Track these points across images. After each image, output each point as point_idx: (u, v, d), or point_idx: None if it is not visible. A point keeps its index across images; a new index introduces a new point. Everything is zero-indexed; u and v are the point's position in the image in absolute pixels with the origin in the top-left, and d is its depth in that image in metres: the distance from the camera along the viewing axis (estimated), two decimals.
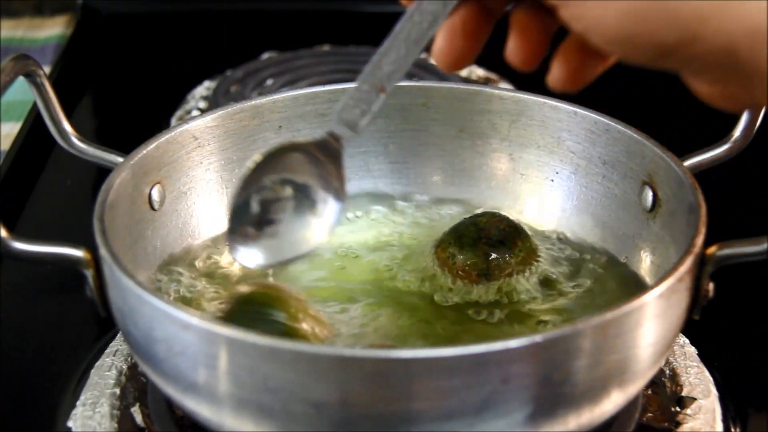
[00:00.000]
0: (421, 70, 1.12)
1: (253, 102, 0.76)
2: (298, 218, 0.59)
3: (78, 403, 0.66)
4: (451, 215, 0.77)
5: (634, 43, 0.47)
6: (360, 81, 0.57)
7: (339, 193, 0.59)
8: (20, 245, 0.59)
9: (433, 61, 0.53)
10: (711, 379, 0.68)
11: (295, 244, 0.59)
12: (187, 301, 0.67)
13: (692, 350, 0.70)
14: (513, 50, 0.52)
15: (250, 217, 0.59)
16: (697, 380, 0.67)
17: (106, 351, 0.70)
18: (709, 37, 0.45)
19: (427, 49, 0.55)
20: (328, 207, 0.59)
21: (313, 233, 0.59)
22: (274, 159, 0.59)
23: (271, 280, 0.69)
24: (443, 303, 0.68)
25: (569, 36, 0.51)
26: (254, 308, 0.62)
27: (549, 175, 0.76)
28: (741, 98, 0.49)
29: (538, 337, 0.51)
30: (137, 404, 0.66)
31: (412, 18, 0.54)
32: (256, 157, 0.59)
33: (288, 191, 0.59)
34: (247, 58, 1.17)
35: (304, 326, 0.61)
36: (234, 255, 0.59)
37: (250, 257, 0.59)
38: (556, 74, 0.52)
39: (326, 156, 0.59)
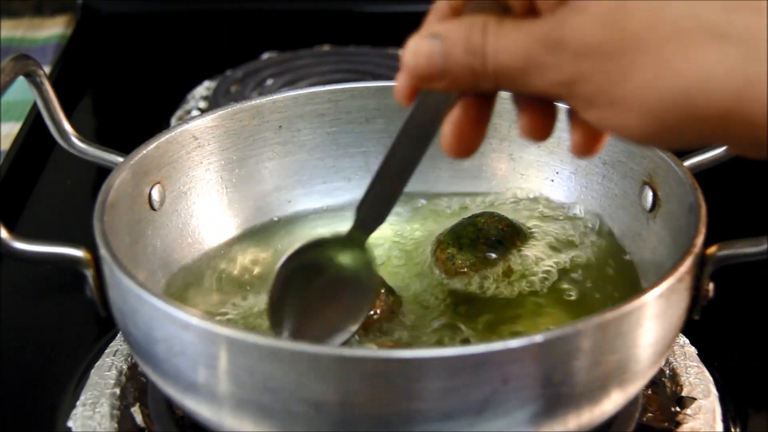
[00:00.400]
0: None
1: (253, 102, 0.76)
2: (334, 309, 0.62)
3: (78, 403, 0.66)
4: (450, 215, 0.77)
5: (661, 141, 0.48)
6: (373, 181, 0.58)
7: (370, 284, 0.62)
8: (20, 245, 0.59)
9: (445, 148, 0.54)
10: (711, 379, 0.68)
11: (335, 332, 0.62)
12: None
13: (692, 350, 0.70)
14: (525, 129, 0.53)
15: (289, 313, 0.61)
16: (697, 380, 0.67)
17: (106, 351, 0.70)
18: (737, 131, 0.46)
19: None
20: (361, 297, 0.62)
21: (348, 323, 0.62)
22: (305, 254, 0.61)
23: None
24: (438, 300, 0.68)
25: None
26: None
27: (549, 175, 0.76)
28: None
29: (538, 337, 0.51)
30: (137, 404, 0.66)
31: (415, 116, 0.54)
32: (290, 251, 0.61)
33: (322, 284, 0.62)
34: (247, 58, 1.17)
35: None
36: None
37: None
38: (576, 141, 0.52)
39: (353, 249, 0.61)
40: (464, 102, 0.53)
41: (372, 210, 0.59)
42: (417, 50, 0.50)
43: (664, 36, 0.45)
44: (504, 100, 0.77)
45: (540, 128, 0.53)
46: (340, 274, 0.61)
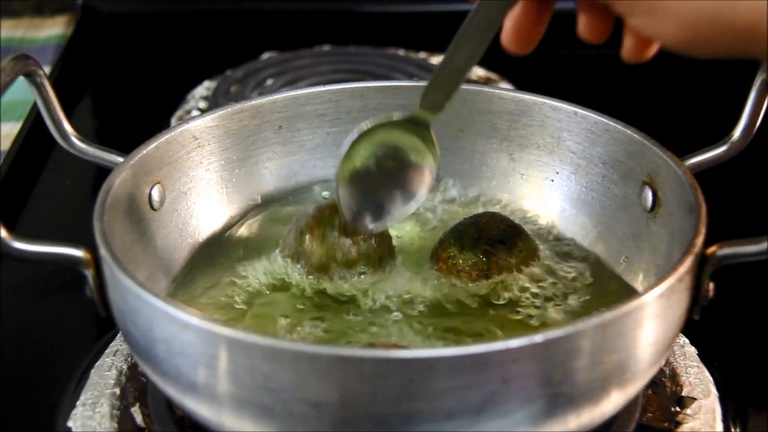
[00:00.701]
0: (420, 70, 1.12)
1: (253, 102, 0.76)
2: (401, 185, 0.68)
3: (78, 403, 0.66)
4: (451, 215, 0.77)
5: (696, 49, 0.53)
6: (439, 68, 0.63)
7: (432, 165, 0.68)
8: (20, 245, 0.59)
9: (504, 43, 0.60)
10: (711, 379, 0.68)
11: (399, 208, 0.68)
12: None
13: (692, 350, 0.70)
14: (583, 29, 0.58)
15: (359, 187, 0.67)
16: (697, 380, 0.67)
17: (106, 351, 0.70)
18: (763, 45, 0.51)
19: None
20: (425, 176, 0.68)
21: (413, 198, 0.68)
22: (373, 132, 0.66)
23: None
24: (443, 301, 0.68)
25: None
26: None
27: (549, 175, 0.76)
28: None
29: (538, 337, 0.51)
30: (137, 404, 0.66)
31: (480, 9, 0.59)
32: (361, 126, 0.65)
33: (390, 162, 0.67)
34: (247, 58, 1.17)
35: None
36: (348, 220, 0.67)
37: (360, 221, 0.68)
38: (626, 46, 0.57)
39: (417, 130, 0.66)
40: (525, 1, 0.59)
41: (436, 95, 0.64)
42: None
43: None
44: (504, 100, 0.77)
45: (596, 30, 0.58)
46: (403, 152, 0.67)
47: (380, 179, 0.67)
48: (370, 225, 0.68)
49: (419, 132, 0.66)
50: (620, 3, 0.54)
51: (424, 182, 0.68)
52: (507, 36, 0.59)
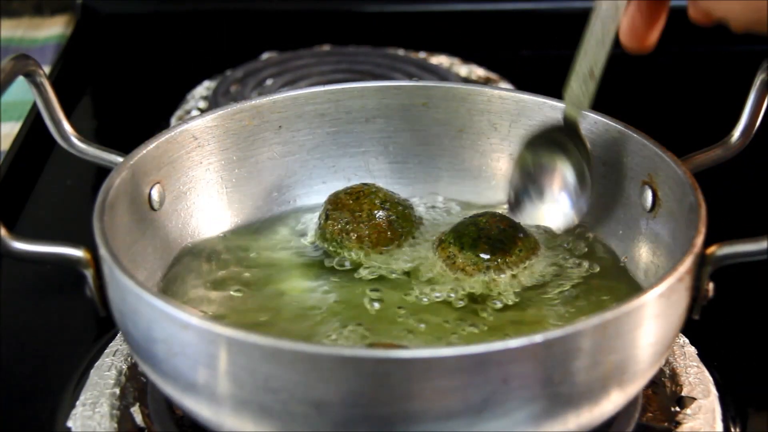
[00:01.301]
0: (421, 70, 1.12)
1: (253, 102, 0.76)
2: (561, 194, 0.71)
3: (78, 403, 0.66)
4: (451, 215, 0.77)
5: (761, 29, 0.57)
6: (577, 67, 0.67)
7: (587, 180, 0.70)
8: (20, 245, 0.59)
9: (622, 41, 0.65)
10: (711, 379, 0.68)
11: (558, 216, 0.71)
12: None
13: (692, 350, 0.70)
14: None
15: (527, 185, 0.71)
16: (697, 380, 0.67)
17: (106, 351, 0.70)
18: None
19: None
20: (582, 192, 0.71)
21: (569, 213, 0.71)
22: (543, 140, 0.71)
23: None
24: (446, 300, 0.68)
25: None
26: None
27: None
28: None
29: (538, 337, 0.51)
30: (137, 404, 0.66)
31: (600, 11, 0.64)
32: (532, 137, 0.71)
33: (555, 171, 0.71)
34: (247, 58, 1.17)
35: None
36: (512, 211, 0.71)
37: (521, 215, 0.71)
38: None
39: (571, 137, 0.70)
40: (637, 1, 0.63)
41: (579, 93, 0.68)
42: None
43: None
44: (504, 100, 0.77)
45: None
46: (561, 159, 0.71)
47: (544, 178, 0.71)
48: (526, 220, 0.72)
49: (571, 136, 0.70)
50: None
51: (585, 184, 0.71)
52: (623, 33, 0.64)
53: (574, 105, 0.69)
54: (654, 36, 0.64)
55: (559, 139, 0.70)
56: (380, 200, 0.73)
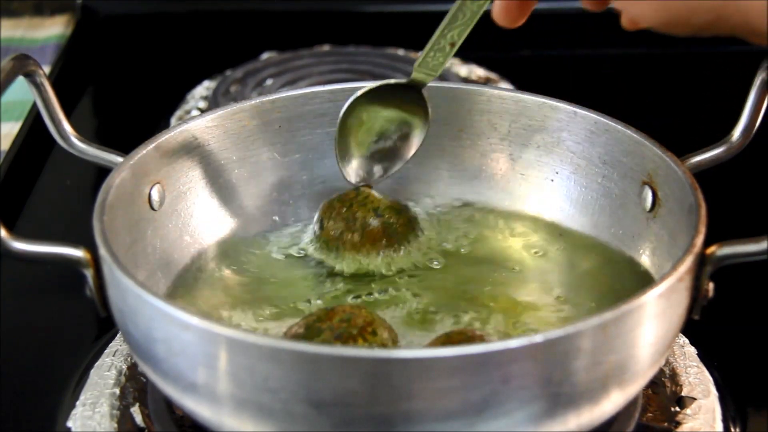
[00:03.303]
0: None
1: (253, 102, 0.76)
2: (394, 140, 0.74)
3: (78, 403, 0.66)
4: (451, 215, 0.77)
5: (672, 28, 0.58)
6: (435, 37, 0.69)
7: (423, 119, 0.73)
8: (20, 245, 0.59)
9: (494, 18, 0.65)
10: (711, 379, 0.68)
11: (392, 162, 0.74)
12: None
13: (692, 350, 0.70)
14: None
15: (354, 143, 0.73)
16: (697, 380, 0.67)
17: (106, 351, 0.70)
18: (733, 21, 0.56)
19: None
20: (417, 130, 0.74)
21: (404, 152, 0.74)
22: (368, 96, 0.72)
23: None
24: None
25: None
26: None
27: (549, 175, 0.76)
28: None
29: (538, 337, 0.51)
30: (137, 404, 0.66)
31: None
32: (358, 92, 0.72)
33: (384, 121, 0.73)
34: (247, 58, 1.17)
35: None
36: (346, 175, 0.74)
37: (356, 176, 0.74)
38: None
39: (411, 93, 0.72)
40: None
41: (433, 61, 0.70)
42: None
43: None
44: (504, 100, 0.77)
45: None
46: (398, 113, 0.73)
47: (375, 138, 0.74)
48: (359, 179, 0.74)
49: (414, 96, 0.72)
50: None
51: (413, 144, 0.74)
52: (495, 11, 0.65)
53: (429, 71, 0.71)
54: (525, 16, 0.66)
55: (400, 95, 0.72)
56: (374, 206, 0.73)
